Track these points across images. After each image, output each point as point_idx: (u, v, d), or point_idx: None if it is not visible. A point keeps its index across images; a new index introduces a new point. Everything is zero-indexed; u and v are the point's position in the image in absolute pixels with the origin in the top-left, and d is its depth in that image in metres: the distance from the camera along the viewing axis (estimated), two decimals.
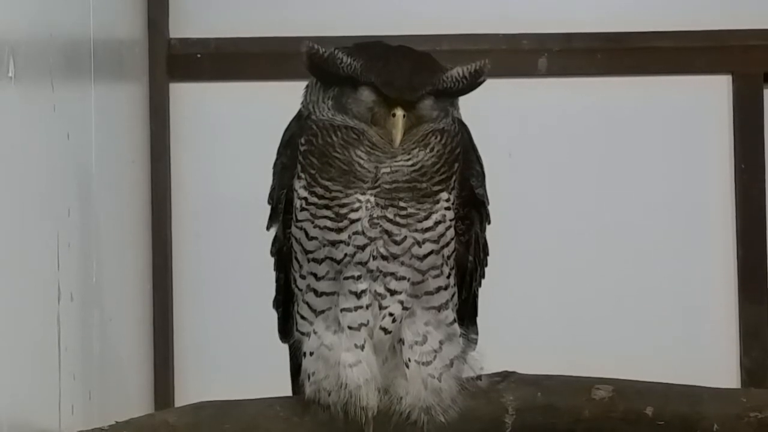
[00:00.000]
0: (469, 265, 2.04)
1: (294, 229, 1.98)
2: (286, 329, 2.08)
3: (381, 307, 1.95)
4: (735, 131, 3.20)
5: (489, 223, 2.06)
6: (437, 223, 1.95)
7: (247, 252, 2.87)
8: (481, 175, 2.03)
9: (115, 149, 2.75)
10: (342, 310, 1.96)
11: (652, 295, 3.18)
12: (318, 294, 1.97)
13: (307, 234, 1.95)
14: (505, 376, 2.05)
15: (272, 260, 2.09)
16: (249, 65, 3.20)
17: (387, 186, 1.93)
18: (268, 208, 2.05)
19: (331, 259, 1.94)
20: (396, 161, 1.93)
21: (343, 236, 1.93)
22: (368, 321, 1.95)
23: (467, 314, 2.07)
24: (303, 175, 1.96)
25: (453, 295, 2.00)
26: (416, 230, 1.94)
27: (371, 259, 1.93)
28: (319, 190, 1.93)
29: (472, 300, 2.10)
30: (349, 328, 1.96)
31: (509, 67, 3.13)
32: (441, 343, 1.97)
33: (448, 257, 1.97)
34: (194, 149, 3.19)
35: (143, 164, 3.08)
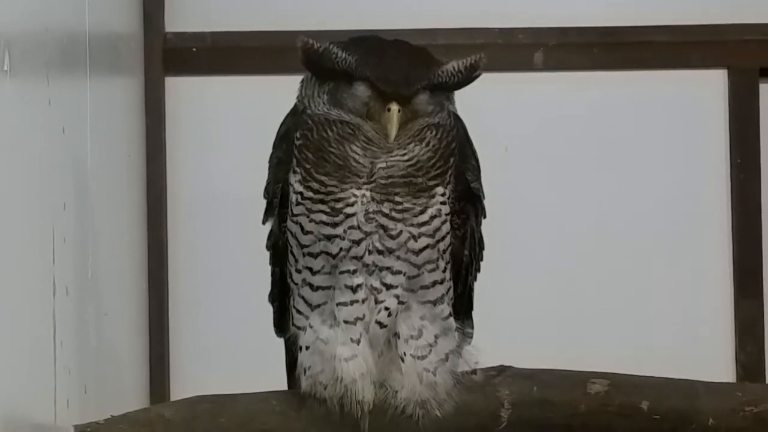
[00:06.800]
0: (464, 259, 2.04)
1: (289, 224, 1.98)
2: (282, 323, 2.08)
3: (377, 302, 1.95)
4: (731, 126, 3.20)
5: (484, 217, 2.07)
6: (433, 217, 1.95)
7: (243, 246, 2.86)
8: (477, 170, 2.03)
9: (111, 143, 2.75)
10: (338, 304, 1.96)
11: (648, 289, 3.19)
12: (314, 288, 1.97)
13: (302, 228, 1.95)
14: (501, 370, 2.05)
15: (268, 254, 2.09)
16: (245, 59, 3.20)
17: (383, 181, 1.93)
18: (264, 202, 2.05)
19: (327, 253, 1.94)
20: (392, 156, 1.94)
21: (339, 231, 1.93)
22: (364, 315, 1.96)
23: (463, 308, 2.08)
24: (298, 170, 1.96)
25: (448, 290, 2.00)
26: (412, 225, 1.94)
27: (367, 253, 1.93)
28: (315, 185, 1.94)
29: (468, 294, 2.10)
30: (345, 322, 1.96)
31: (505, 62, 3.13)
32: (436, 337, 1.98)
33: (444, 251, 1.97)
34: (190, 143, 3.19)
35: (139, 158, 3.08)
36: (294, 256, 1.99)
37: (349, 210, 1.93)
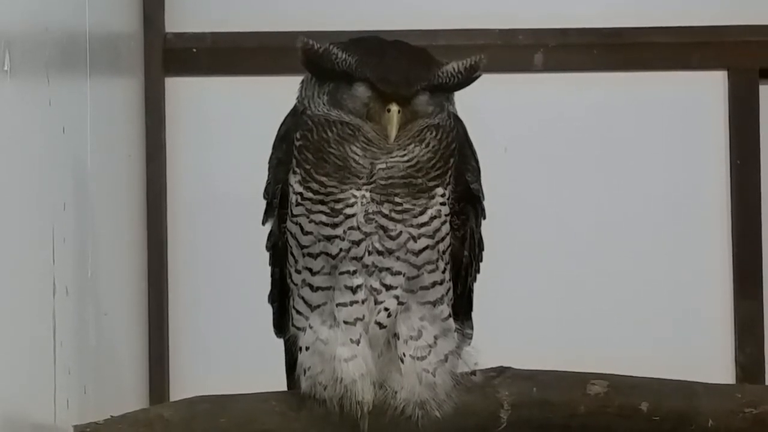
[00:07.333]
0: (464, 260, 2.04)
1: (289, 224, 1.98)
2: (282, 324, 2.08)
3: (376, 302, 1.95)
4: (730, 127, 3.20)
5: (484, 218, 2.07)
6: (432, 218, 1.95)
7: (242, 247, 2.87)
8: (477, 170, 2.03)
9: (110, 143, 2.75)
10: (337, 304, 1.96)
11: (648, 290, 3.19)
12: (313, 289, 1.97)
13: (302, 229, 1.95)
14: (501, 371, 2.05)
15: (268, 255, 2.09)
16: (245, 60, 3.20)
17: (382, 182, 1.93)
18: (264, 202, 2.05)
19: (327, 254, 1.94)
20: (391, 157, 1.94)
21: (339, 231, 1.93)
22: (364, 316, 1.96)
23: (462, 309, 2.08)
24: (298, 170, 1.96)
25: (448, 290, 2.00)
26: (412, 225, 1.94)
27: (366, 254, 1.93)
28: (315, 186, 1.94)
29: (468, 295, 2.10)
30: (345, 322, 1.96)
31: (505, 63, 3.13)
32: (436, 338, 1.98)
33: (444, 252, 1.97)
34: (190, 144, 3.19)
35: (139, 159, 3.08)
36: (294, 257, 1.99)
37: (348, 211, 1.93)
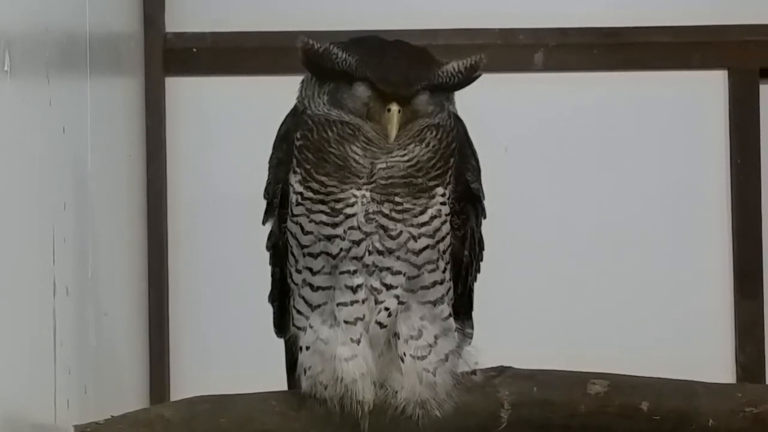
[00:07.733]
0: (464, 260, 2.04)
1: (290, 224, 1.98)
2: (282, 324, 2.08)
3: (377, 302, 1.95)
4: (731, 127, 3.20)
5: (484, 217, 2.07)
6: (433, 217, 1.95)
7: (243, 246, 2.87)
8: (477, 170, 2.03)
9: (111, 143, 2.75)
10: (338, 304, 1.96)
11: (648, 290, 3.19)
12: (314, 288, 1.97)
13: (302, 229, 1.95)
14: (501, 370, 2.05)
15: (268, 255, 2.09)
16: (245, 60, 3.20)
17: (383, 181, 1.93)
18: (265, 202, 2.05)
19: (327, 253, 1.94)
20: (392, 156, 1.94)
21: (339, 231, 1.93)
22: (364, 315, 1.96)
23: (463, 309, 2.08)
24: (298, 170, 1.96)
25: (448, 290, 2.00)
26: (412, 225, 1.94)
27: (367, 253, 1.93)
28: (315, 185, 1.94)
29: (468, 294, 2.10)
30: (345, 322, 1.96)
31: (505, 62, 3.13)
32: (436, 337, 1.98)
33: (444, 252, 1.97)
34: (190, 144, 3.19)
35: (139, 159, 3.08)
36: (294, 257, 1.99)
37: (349, 210, 1.93)
